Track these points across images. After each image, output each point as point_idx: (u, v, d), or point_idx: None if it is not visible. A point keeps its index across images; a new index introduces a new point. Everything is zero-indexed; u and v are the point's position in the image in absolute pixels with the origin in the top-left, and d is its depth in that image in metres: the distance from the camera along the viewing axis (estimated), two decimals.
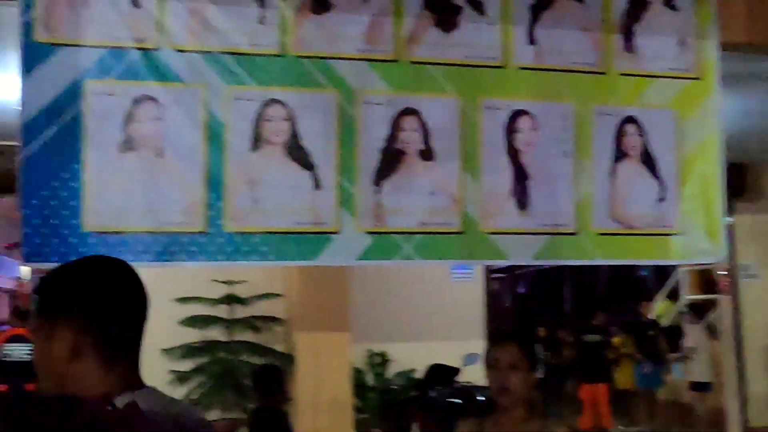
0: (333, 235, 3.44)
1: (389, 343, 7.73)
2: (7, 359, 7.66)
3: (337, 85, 3.48)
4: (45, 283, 1.53)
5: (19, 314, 8.30)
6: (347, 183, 3.47)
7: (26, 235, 3.18)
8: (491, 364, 2.54)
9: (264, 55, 3.41)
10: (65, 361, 1.44)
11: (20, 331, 7.92)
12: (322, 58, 3.47)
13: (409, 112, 3.56)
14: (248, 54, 3.39)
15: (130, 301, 1.51)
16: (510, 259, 3.75)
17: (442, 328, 8.01)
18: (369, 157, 3.50)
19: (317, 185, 3.44)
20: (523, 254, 3.74)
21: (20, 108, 3.23)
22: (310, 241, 3.43)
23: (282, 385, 4.64)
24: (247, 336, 6.79)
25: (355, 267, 5.61)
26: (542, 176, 3.71)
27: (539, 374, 2.57)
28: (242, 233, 3.36)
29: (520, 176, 3.68)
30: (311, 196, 3.43)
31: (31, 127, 3.20)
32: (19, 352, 7.75)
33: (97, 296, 1.47)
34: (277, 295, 6.77)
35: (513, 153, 3.69)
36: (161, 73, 3.31)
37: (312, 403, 5.99)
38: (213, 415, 6.53)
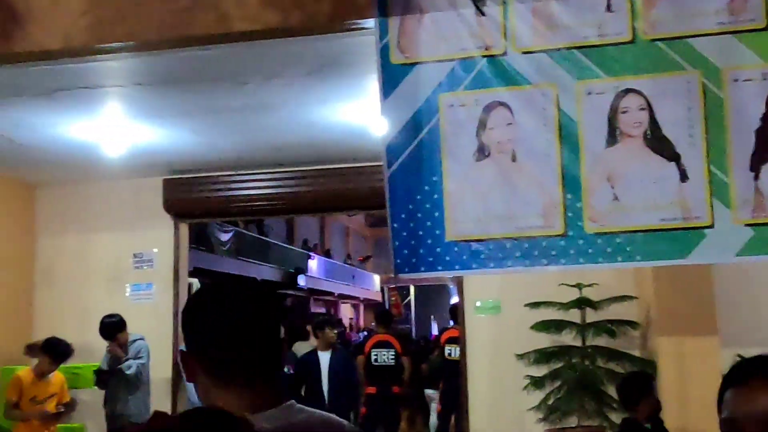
0: (706, 230, 3.13)
1: (762, 347, 6.92)
2: (375, 363, 8.31)
3: (698, 66, 3.17)
4: None
5: (383, 320, 8.94)
6: (719, 171, 3.13)
7: (396, 248, 3.36)
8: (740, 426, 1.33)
9: (614, 44, 3.23)
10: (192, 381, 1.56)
11: (385, 336, 8.54)
12: (679, 38, 3.19)
13: None
14: (597, 45, 3.24)
15: (230, 326, 1.53)
16: None
17: None
18: (743, 141, 3.12)
19: (684, 176, 3.16)
20: None
21: (382, 129, 3.44)
22: (679, 237, 3.15)
23: (651, 393, 4.36)
24: (601, 341, 6.54)
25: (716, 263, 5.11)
26: None
27: None
28: (604, 234, 3.20)
29: None
30: (678, 189, 3.16)
31: (393, 146, 3.39)
32: (384, 356, 8.36)
33: (196, 322, 1.56)
34: (632, 297, 6.44)
35: None
36: (509, 78, 3.30)
37: (678, 412, 5.56)
38: (571, 421, 6.39)
